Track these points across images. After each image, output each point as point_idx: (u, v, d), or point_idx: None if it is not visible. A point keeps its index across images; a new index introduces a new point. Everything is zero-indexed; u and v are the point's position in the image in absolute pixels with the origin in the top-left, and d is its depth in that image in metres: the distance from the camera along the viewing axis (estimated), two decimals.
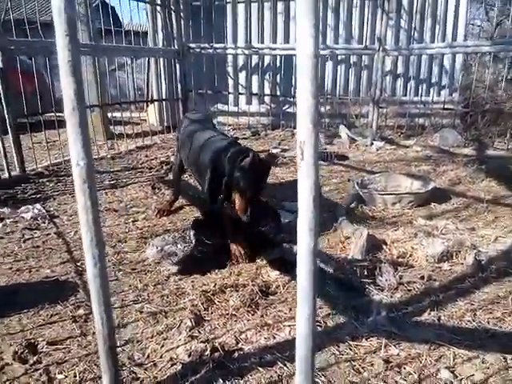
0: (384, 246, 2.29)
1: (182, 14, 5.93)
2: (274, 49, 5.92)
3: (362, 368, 1.41)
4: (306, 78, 0.72)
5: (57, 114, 3.94)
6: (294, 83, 6.03)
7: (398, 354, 1.47)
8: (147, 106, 6.89)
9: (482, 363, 1.40)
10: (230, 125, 6.17)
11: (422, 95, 5.98)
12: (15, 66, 4.05)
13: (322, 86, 6.06)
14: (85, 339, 1.57)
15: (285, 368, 1.41)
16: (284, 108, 6.27)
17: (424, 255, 2.15)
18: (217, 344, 1.51)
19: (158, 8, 6.00)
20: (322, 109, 5.88)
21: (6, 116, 3.49)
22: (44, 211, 2.87)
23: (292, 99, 6.15)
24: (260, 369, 1.40)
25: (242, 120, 6.20)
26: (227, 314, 1.72)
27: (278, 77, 6.34)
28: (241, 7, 6.18)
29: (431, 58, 5.92)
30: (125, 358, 1.45)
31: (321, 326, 1.65)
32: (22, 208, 2.86)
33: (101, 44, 5.18)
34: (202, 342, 1.53)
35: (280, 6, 6.10)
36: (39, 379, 1.35)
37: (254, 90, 6.36)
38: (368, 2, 5.92)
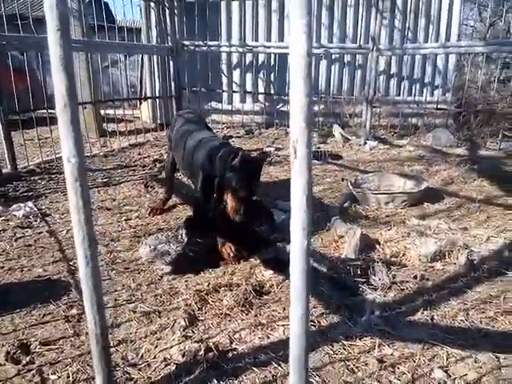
0: (377, 246, 2.30)
1: (175, 10, 5.90)
2: (269, 47, 5.91)
3: (356, 368, 1.41)
4: (299, 77, 0.71)
5: (49, 111, 3.90)
6: (288, 82, 6.02)
7: (391, 354, 1.47)
8: (140, 103, 6.85)
9: (475, 362, 1.41)
10: (223, 123, 6.16)
11: (415, 95, 6.02)
12: (7, 62, 4.00)
13: (316, 85, 6.07)
14: (78, 339, 1.55)
15: (279, 368, 1.41)
16: (278, 106, 6.27)
17: (417, 255, 2.16)
18: (211, 344, 1.51)
19: (152, 4, 5.97)
20: (316, 108, 5.89)
21: None
22: (36, 209, 2.84)
23: (286, 98, 6.15)
24: (254, 369, 1.40)
25: (236, 118, 6.19)
26: (221, 314, 1.71)
27: (273, 75, 6.33)
28: (235, 5, 6.17)
29: (425, 57, 5.95)
30: (118, 359, 1.44)
31: (314, 326, 1.65)
32: (14, 206, 2.83)
33: (94, 40, 5.15)
34: (195, 341, 1.53)
35: (274, 4, 6.09)
36: (32, 380, 1.34)
37: (248, 88, 6.35)
38: (362, 1, 5.94)
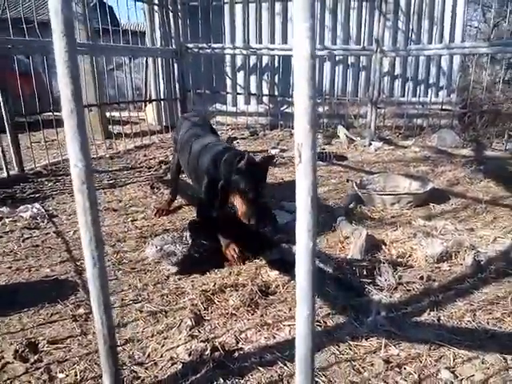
0: (383, 246, 2.30)
1: (179, 13, 5.93)
2: (272, 49, 5.93)
3: (363, 368, 1.41)
4: (303, 80, 0.72)
5: (55, 114, 3.93)
6: (292, 83, 6.03)
7: (398, 354, 1.47)
8: (145, 105, 6.89)
9: (482, 363, 1.41)
10: (228, 125, 6.18)
11: (419, 96, 6.01)
12: (13, 66, 4.03)
13: (320, 86, 6.07)
14: (85, 338, 1.56)
15: (285, 368, 1.41)
16: (282, 108, 6.28)
17: (423, 255, 2.15)
18: (217, 343, 1.51)
19: (156, 8, 5.99)
20: (321, 109, 5.89)
21: (4, 115, 3.48)
22: (43, 210, 2.86)
23: (290, 99, 6.15)
24: (260, 368, 1.40)
25: (241, 120, 6.20)
26: (227, 314, 1.72)
27: (276, 77, 6.35)
28: (238, 7, 6.19)
29: (429, 59, 5.94)
30: (125, 357, 1.45)
31: (320, 326, 1.65)
32: (21, 207, 2.86)
33: (98, 43, 5.17)
34: (202, 341, 1.53)
35: (278, 7, 6.11)
36: (40, 378, 1.35)
37: (253, 90, 6.37)
38: (365, 3, 5.94)
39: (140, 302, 1.82)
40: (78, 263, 2.15)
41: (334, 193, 3.36)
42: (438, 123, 5.61)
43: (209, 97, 6.16)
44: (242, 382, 1.35)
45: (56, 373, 1.38)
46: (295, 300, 0.78)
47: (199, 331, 1.61)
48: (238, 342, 1.55)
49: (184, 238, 2.35)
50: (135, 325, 1.66)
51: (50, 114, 4.04)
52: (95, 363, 1.41)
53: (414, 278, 2.00)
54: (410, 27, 5.95)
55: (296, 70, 0.71)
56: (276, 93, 6.35)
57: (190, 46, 5.92)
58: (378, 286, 1.92)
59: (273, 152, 4.71)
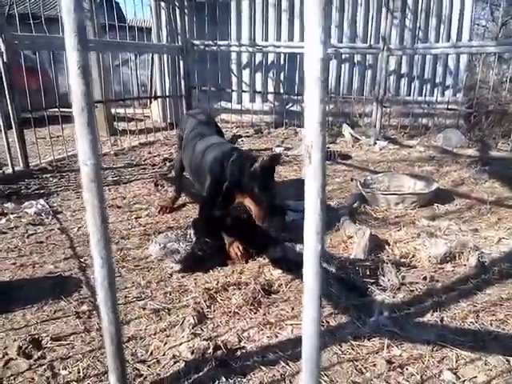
0: (386, 246, 2.29)
1: (185, 10, 5.92)
2: (278, 46, 5.91)
3: (365, 368, 1.41)
4: (314, 83, 0.72)
5: (60, 110, 3.94)
6: (297, 81, 6.02)
7: (400, 355, 1.47)
8: (150, 102, 6.89)
9: (485, 365, 1.40)
10: (233, 122, 6.17)
11: (425, 95, 5.97)
12: (19, 61, 4.05)
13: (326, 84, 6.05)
14: (88, 335, 1.57)
15: (287, 367, 1.41)
16: (287, 106, 6.26)
17: (427, 256, 2.15)
18: (219, 342, 1.52)
19: (162, 4, 5.99)
20: (326, 107, 5.86)
21: (10, 111, 3.50)
22: (47, 207, 2.87)
23: (295, 97, 6.14)
24: (262, 367, 1.40)
25: (245, 118, 6.19)
26: (230, 312, 1.72)
27: (282, 75, 6.34)
28: (245, 4, 6.17)
29: (435, 57, 5.90)
30: (128, 355, 1.46)
31: (323, 326, 1.65)
32: (26, 203, 2.87)
33: (105, 39, 5.18)
34: (204, 339, 1.54)
35: (284, 4, 6.09)
36: (43, 374, 1.36)
37: (258, 87, 6.36)
38: (373, 1, 5.91)
39: (143, 299, 1.83)
40: (82, 260, 2.16)
41: (337, 192, 3.35)
42: (443, 123, 5.58)
43: (214, 94, 6.16)
44: (245, 380, 1.35)
45: (59, 369, 1.39)
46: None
47: (202, 329, 1.62)
48: (240, 341, 1.55)
49: (188, 236, 2.35)
50: (138, 322, 1.66)
51: (56, 109, 4.06)
52: (98, 360, 1.42)
53: (417, 278, 1.99)
54: (418, 25, 5.91)
55: (307, 72, 0.71)
56: (281, 91, 6.34)
57: (196, 42, 5.92)
58: (381, 286, 1.92)
59: (277, 150, 4.70)
